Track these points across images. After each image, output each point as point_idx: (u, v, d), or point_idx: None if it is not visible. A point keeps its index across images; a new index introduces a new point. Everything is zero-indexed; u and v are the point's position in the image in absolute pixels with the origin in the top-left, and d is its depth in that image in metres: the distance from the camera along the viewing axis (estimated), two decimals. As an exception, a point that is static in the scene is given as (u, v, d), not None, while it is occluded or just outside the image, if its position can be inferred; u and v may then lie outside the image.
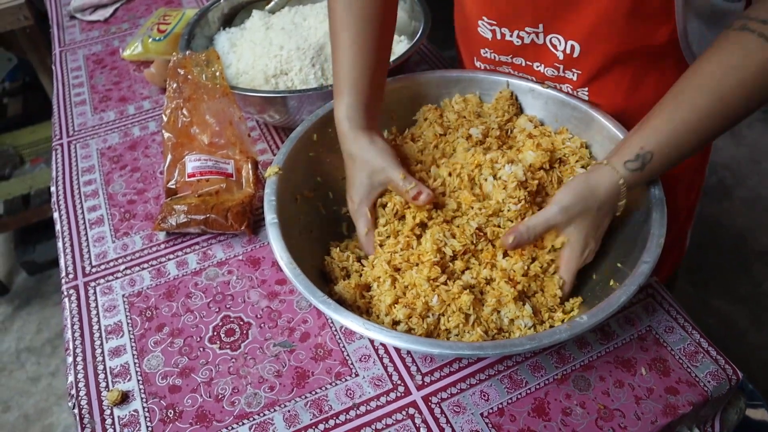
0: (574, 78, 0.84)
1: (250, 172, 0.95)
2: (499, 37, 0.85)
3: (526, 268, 0.73)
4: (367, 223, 0.78)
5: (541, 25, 0.80)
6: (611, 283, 0.71)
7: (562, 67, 0.83)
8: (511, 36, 0.84)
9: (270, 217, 0.73)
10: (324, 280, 0.79)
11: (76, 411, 0.75)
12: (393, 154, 0.78)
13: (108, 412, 0.74)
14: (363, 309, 0.73)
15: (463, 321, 0.69)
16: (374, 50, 0.78)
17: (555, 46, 0.81)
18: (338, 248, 0.81)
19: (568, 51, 0.81)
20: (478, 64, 0.94)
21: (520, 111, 0.90)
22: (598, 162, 0.72)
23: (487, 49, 0.89)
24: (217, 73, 0.96)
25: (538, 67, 0.86)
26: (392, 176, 0.76)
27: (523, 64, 0.88)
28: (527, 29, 0.81)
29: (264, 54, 1.02)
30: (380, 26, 0.79)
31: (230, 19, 1.19)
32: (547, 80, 0.88)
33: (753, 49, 0.63)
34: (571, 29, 0.78)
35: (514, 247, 0.70)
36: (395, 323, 0.70)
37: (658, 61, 0.80)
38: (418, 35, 1.03)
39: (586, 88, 0.85)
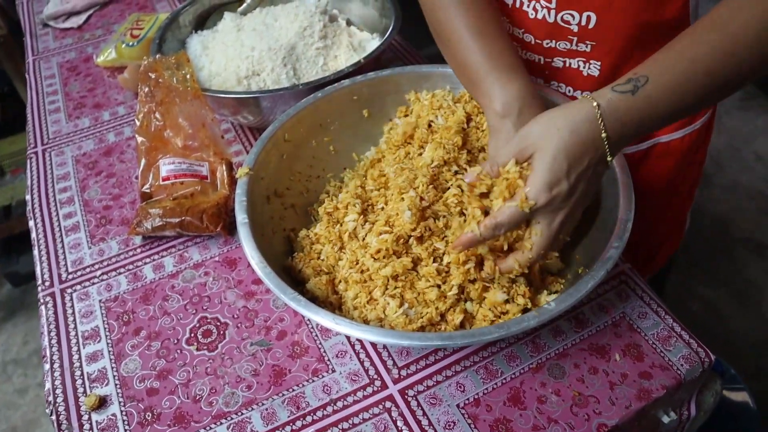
0: (588, 49, 0.83)
1: (225, 173, 0.95)
2: (518, 5, 0.84)
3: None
4: None
5: (554, 1, 0.79)
6: (580, 270, 0.72)
7: (575, 39, 0.82)
8: (528, 6, 0.82)
9: (241, 217, 0.73)
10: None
11: (53, 417, 0.75)
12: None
13: (86, 417, 0.74)
14: (336, 305, 0.74)
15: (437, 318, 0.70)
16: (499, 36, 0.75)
17: (568, 22, 0.80)
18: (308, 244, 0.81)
19: (583, 23, 0.79)
20: None
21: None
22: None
23: (504, 18, 0.88)
24: (188, 76, 0.96)
25: (548, 44, 0.85)
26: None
27: (533, 42, 0.86)
28: (542, 2, 0.80)
29: (236, 56, 1.02)
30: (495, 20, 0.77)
31: (202, 22, 1.19)
32: (558, 55, 0.86)
33: None
34: (585, 1, 0.77)
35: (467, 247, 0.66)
36: (365, 322, 0.70)
37: (669, 38, 0.78)
38: (389, 32, 1.03)
39: (599, 63, 0.84)
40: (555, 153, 0.61)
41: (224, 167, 0.96)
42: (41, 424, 1.89)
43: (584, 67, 0.86)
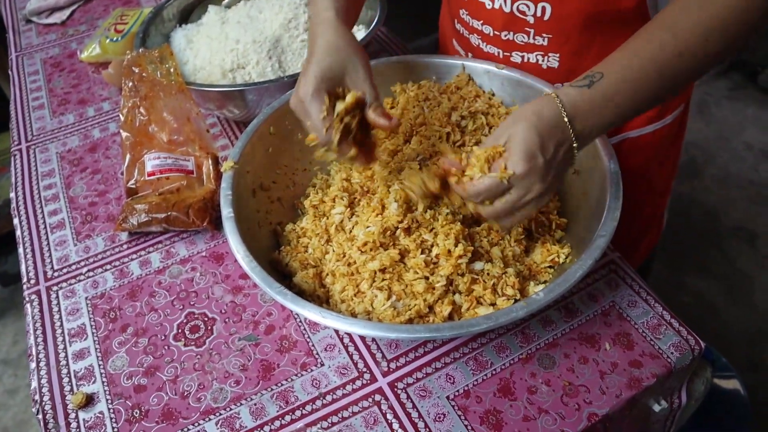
0: (545, 43, 0.84)
1: (211, 167, 0.94)
2: None
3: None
4: (322, 107, 0.69)
5: None
6: (569, 259, 0.71)
7: (532, 32, 0.83)
8: None
9: (226, 211, 0.73)
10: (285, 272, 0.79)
11: (40, 416, 0.74)
12: (368, 59, 0.74)
13: (73, 415, 0.73)
14: (323, 299, 0.73)
15: (426, 309, 0.70)
16: None
17: (523, 12, 0.81)
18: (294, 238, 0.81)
19: (539, 14, 0.80)
20: (458, 26, 0.94)
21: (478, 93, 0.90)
22: None
23: (464, 11, 0.89)
24: (172, 70, 0.94)
25: (506, 35, 0.86)
26: (362, 75, 0.71)
27: (491, 34, 0.87)
28: None
29: (220, 49, 1.01)
30: None
31: (186, 16, 1.17)
32: (517, 49, 0.87)
33: None
34: None
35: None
36: (353, 315, 0.70)
37: (628, 27, 0.78)
38: (374, 23, 1.02)
39: (558, 54, 0.85)
40: (526, 130, 0.63)
41: (210, 162, 0.95)
42: (32, 424, 1.87)
43: (543, 61, 0.86)
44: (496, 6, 0.83)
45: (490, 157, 0.64)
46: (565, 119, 0.64)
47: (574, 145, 0.65)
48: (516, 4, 0.81)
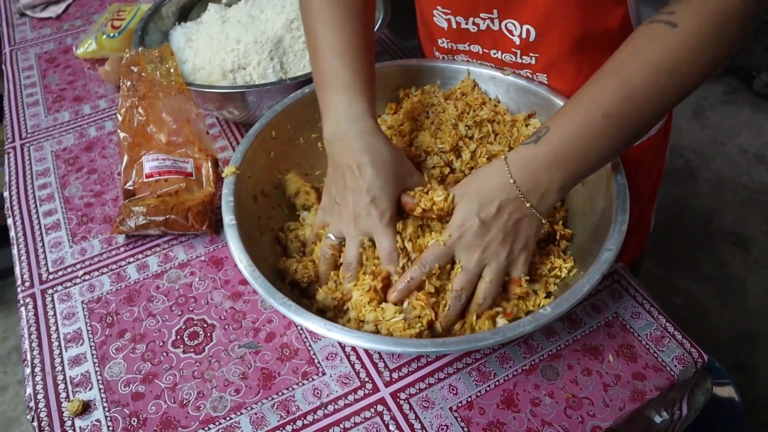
0: (533, 62, 0.84)
1: (210, 170, 0.93)
2: (454, 26, 0.84)
3: None
4: (393, 237, 0.69)
5: (495, 11, 0.80)
6: (574, 271, 0.71)
7: (519, 52, 0.83)
8: (466, 24, 0.83)
9: (228, 218, 0.71)
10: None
11: (35, 424, 0.72)
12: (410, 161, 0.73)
13: (69, 423, 0.72)
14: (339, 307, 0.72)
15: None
16: (363, 45, 0.74)
17: (511, 32, 0.81)
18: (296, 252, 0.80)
19: (524, 36, 0.80)
20: (437, 54, 0.93)
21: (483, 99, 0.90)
22: None
23: (444, 39, 0.88)
24: (172, 70, 0.93)
25: (495, 53, 0.86)
26: (416, 179, 0.71)
27: (480, 52, 0.87)
28: (482, 15, 0.81)
29: (221, 48, 0.99)
30: (363, 16, 0.76)
31: (186, 13, 1.15)
32: (506, 66, 0.87)
33: (659, 34, 0.63)
34: (525, 13, 0.78)
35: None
36: (362, 321, 0.69)
37: (615, 47, 0.79)
38: (378, 24, 1.01)
39: (545, 75, 0.84)
40: (466, 196, 0.66)
41: (210, 164, 0.93)
42: (21, 422, 1.85)
43: (533, 77, 0.87)
44: (483, 28, 0.83)
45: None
46: (511, 180, 0.64)
47: (527, 204, 0.65)
48: (504, 23, 0.80)
